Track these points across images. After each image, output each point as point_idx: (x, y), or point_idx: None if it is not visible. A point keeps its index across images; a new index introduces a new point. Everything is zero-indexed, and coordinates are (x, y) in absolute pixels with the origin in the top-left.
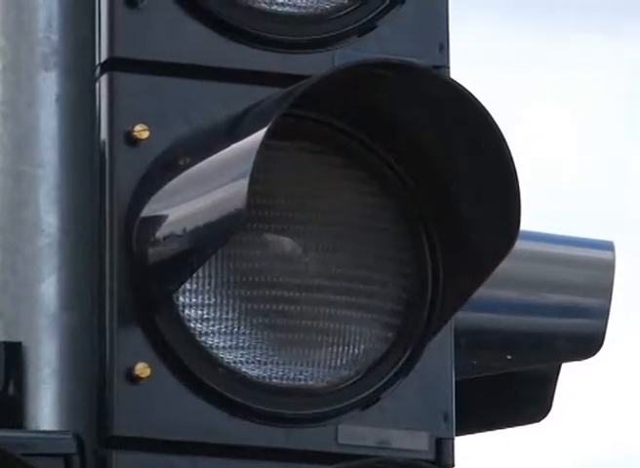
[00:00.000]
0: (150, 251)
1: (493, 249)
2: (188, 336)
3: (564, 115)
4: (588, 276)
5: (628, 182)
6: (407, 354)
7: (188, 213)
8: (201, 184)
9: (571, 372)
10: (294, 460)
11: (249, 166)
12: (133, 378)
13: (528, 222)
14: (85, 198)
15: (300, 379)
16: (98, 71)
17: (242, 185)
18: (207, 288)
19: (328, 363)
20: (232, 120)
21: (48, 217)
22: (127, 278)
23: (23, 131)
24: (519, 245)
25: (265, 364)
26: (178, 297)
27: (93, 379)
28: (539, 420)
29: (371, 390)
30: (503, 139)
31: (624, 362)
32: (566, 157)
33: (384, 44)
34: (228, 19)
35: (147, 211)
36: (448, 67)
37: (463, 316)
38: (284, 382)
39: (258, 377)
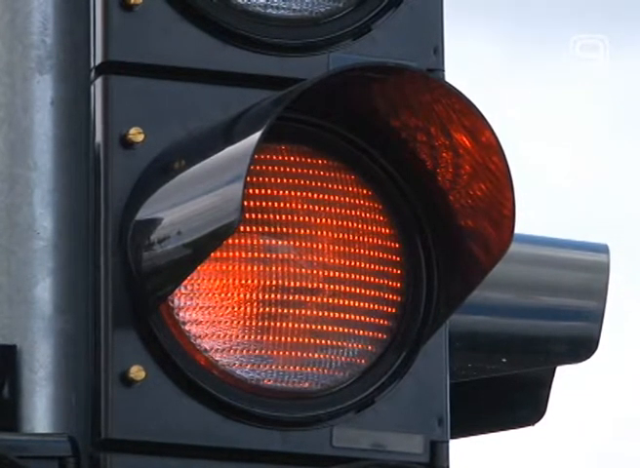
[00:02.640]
0: (145, 254)
1: (487, 252)
2: (183, 339)
3: (558, 118)
4: (583, 279)
5: (624, 185)
6: (402, 357)
7: (183, 216)
8: (196, 187)
9: (565, 375)
10: (288, 463)
11: (243, 169)
12: (127, 381)
13: (522, 225)
14: (80, 201)
15: (294, 382)
16: (92, 74)
17: (236, 189)
18: (201, 290)
19: (323, 365)
20: (227, 123)
21: (42, 221)
22: (121, 281)
23: (18, 134)
24: (513, 247)
25: (260, 366)
26: (172, 300)
27: (87, 382)
28: (533, 423)
29: (365, 393)
30: (498, 142)
31: (619, 364)
32: (561, 159)
33: (379, 47)
34: (223, 22)
35: (142, 214)
36: (443, 70)
37: (458, 319)
38: (278, 385)
39: (252, 380)
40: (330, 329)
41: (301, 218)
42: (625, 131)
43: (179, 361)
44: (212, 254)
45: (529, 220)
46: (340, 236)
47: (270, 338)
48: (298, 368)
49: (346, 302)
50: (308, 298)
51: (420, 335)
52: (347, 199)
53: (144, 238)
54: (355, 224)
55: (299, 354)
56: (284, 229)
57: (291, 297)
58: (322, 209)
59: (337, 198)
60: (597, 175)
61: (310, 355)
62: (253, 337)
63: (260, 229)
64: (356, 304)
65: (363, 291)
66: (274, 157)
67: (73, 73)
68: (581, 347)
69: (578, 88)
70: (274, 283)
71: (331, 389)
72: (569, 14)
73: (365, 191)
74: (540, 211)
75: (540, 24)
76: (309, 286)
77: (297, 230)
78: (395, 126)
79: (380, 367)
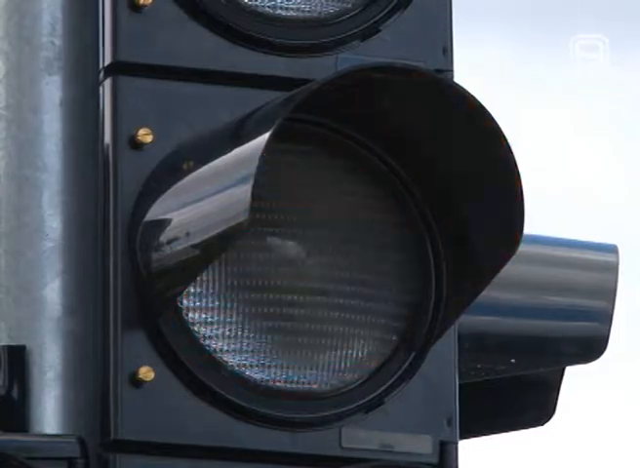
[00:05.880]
0: (154, 255)
1: (496, 252)
2: (192, 340)
3: (564, 117)
4: (592, 279)
5: (628, 184)
6: (411, 357)
7: (192, 217)
8: (204, 188)
9: (574, 376)
10: (297, 464)
11: (252, 170)
12: (136, 382)
13: (531, 226)
14: (88, 202)
15: (303, 383)
16: (101, 75)
17: (245, 190)
18: (210, 291)
19: (331, 366)
20: (236, 124)
21: (51, 222)
22: (130, 282)
23: (27, 135)
24: (522, 248)
25: (269, 367)
26: (181, 301)
27: (96, 383)
28: (542, 424)
29: (374, 394)
30: (506, 142)
31: (627, 365)
32: (564, 159)
33: (387, 48)
34: (232, 23)
35: (151, 215)
36: (451, 71)
37: (467, 319)
38: (287, 386)
39: (261, 381)
40: (339, 329)
41: (310, 219)
42: (626, 131)
43: (188, 362)
44: (221, 255)
45: (537, 221)
46: (349, 236)
47: (279, 339)
48: (307, 368)
49: (355, 303)
50: (317, 299)
51: (428, 336)
52: (355, 199)
53: (153, 239)
54: (364, 225)
55: (307, 355)
56: (294, 230)
57: (299, 298)
58: (331, 209)
59: (346, 199)
60: (599, 174)
61: (319, 356)
62: (262, 338)
63: (270, 230)
64: (365, 305)
65: (371, 291)
66: (283, 158)
67: (82, 74)
68: (590, 347)
69: (577, 88)
70: (283, 283)
71: (340, 390)
72: (569, 14)
73: (373, 192)
74: (548, 211)
75: (540, 25)
76: (318, 286)
77: (306, 231)
78: (404, 127)
79: (389, 367)
